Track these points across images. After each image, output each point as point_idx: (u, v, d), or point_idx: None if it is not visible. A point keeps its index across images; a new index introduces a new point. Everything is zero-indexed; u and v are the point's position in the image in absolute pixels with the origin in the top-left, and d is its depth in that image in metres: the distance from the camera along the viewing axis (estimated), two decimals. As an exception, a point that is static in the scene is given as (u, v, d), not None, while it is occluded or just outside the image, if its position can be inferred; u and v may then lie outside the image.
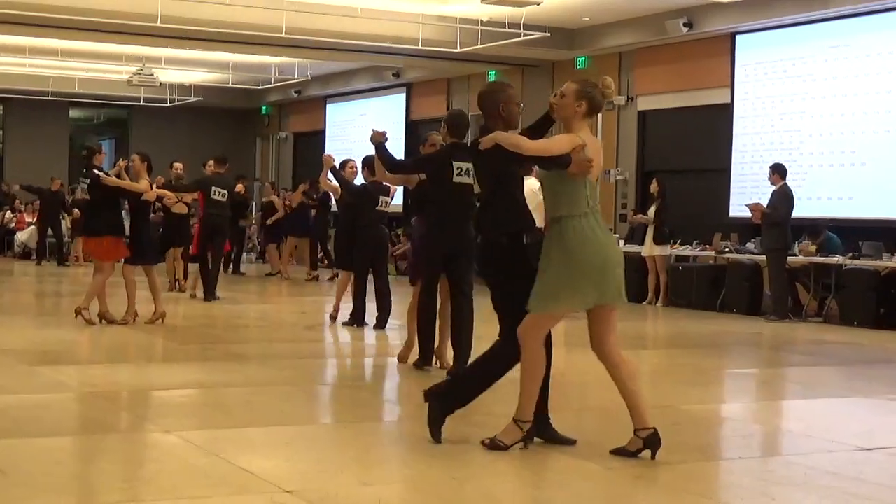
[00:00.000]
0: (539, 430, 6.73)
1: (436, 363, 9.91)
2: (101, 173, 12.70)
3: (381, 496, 5.59)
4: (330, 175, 13.11)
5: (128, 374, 9.53)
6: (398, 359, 10.29)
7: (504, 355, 6.76)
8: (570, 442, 6.76)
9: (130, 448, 6.66)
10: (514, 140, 6.53)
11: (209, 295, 16.27)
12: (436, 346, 9.88)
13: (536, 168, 7.32)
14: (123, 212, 13.27)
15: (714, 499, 6.01)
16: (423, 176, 9.89)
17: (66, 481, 5.88)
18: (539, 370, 6.57)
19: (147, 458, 6.35)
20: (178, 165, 18.07)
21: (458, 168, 9.29)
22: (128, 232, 13.00)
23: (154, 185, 13.68)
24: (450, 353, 9.76)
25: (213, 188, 16.43)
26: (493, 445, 6.53)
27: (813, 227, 16.42)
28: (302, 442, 6.92)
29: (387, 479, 6.12)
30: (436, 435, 6.69)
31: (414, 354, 10.08)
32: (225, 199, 16.52)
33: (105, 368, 9.89)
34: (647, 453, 6.41)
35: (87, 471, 6.21)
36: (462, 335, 9.35)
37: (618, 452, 6.47)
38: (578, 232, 6.44)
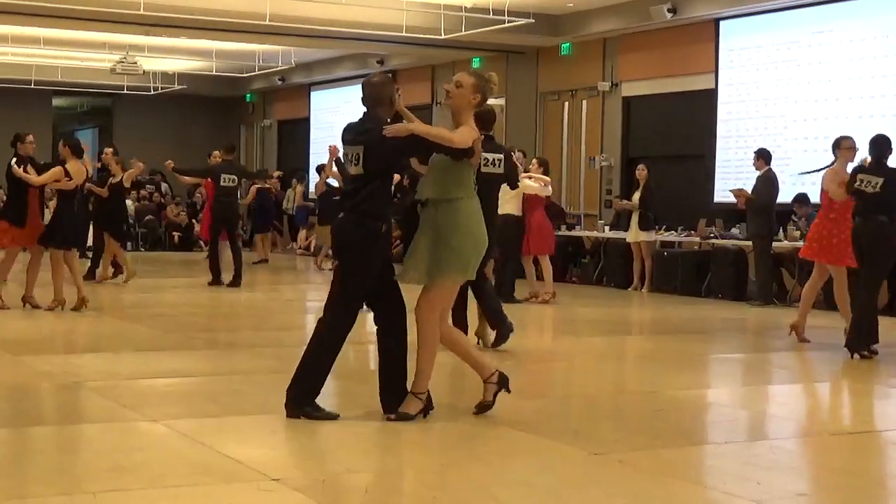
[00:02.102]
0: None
1: (479, 343, 10.32)
2: (13, 162, 12.75)
3: (368, 483, 5.60)
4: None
5: (113, 363, 9.51)
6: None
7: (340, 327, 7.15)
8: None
9: (116, 437, 6.64)
10: (442, 133, 6.91)
11: (236, 279, 16.49)
12: (476, 328, 10.40)
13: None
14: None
15: (700, 483, 6.04)
16: None
17: (52, 470, 5.88)
18: (436, 344, 7.02)
19: (133, 447, 6.34)
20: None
21: (486, 159, 9.72)
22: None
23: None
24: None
25: (223, 175, 16.68)
26: (400, 417, 6.91)
27: (801, 197, 16.41)
28: (288, 430, 6.92)
29: (373, 466, 6.13)
30: (327, 415, 6.99)
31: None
32: (235, 185, 16.78)
33: (90, 357, 9.87)
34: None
35: (73, 460, 6.20)
36: (493, 310, 10.04)
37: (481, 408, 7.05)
38: (473, 212, 7.01)
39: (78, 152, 12.87)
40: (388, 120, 7.14)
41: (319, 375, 7.07)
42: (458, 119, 7.01)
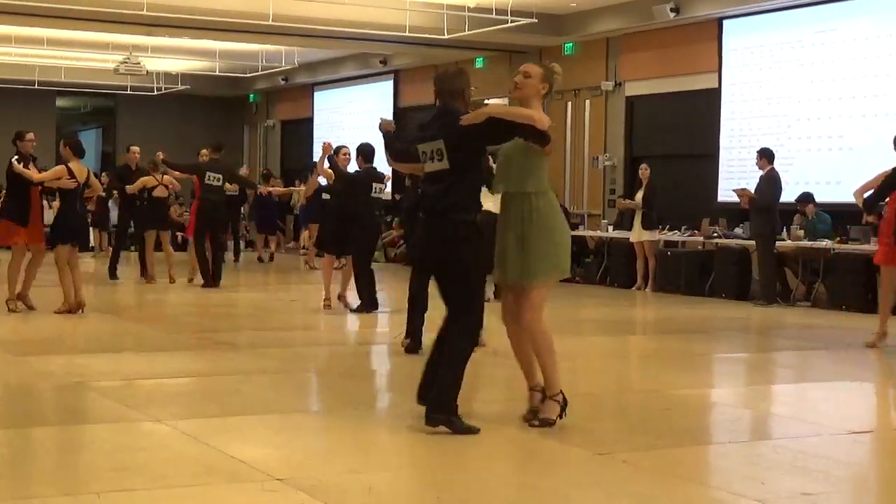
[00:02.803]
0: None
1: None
2: (14, 160, 12.74)
3: (372, 483, 5.60)
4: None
5: (117, 363, 9.51)
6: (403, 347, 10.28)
7: (465, 333, 6.83)
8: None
9: (120, 437, 6.64)
10: (521, 112, 6.72)
11: (213, 281, 16.38)
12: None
13: None
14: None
15: (703, 483, 6.03)
16: None
17: (56, 470, 5.88)
18: (551, 343, 6.82)
19: (137, 448, 6.34)
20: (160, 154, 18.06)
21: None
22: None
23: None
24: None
25: (209, 173, 16.52)
26: (544, 423, 6.73)
27: (805, 196, 16.42)
28: (292, 430, 6.93)
29: (377, 466, 6.13)
30: (467, 428, 6.64)
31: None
32: (220, 184, 16.64)
33: (93, 358, 9.87)
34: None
35: (77, 460, 6.20)
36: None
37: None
38: (554, 206, 6.89)
39: (79, 152, 12.83)
40: (465, 112, 6.91)
41: (458, 383, 6.74)
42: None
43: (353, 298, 13.49)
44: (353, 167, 13.63)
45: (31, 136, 13.01)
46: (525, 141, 6.76)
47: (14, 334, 11.23)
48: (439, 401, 6.63)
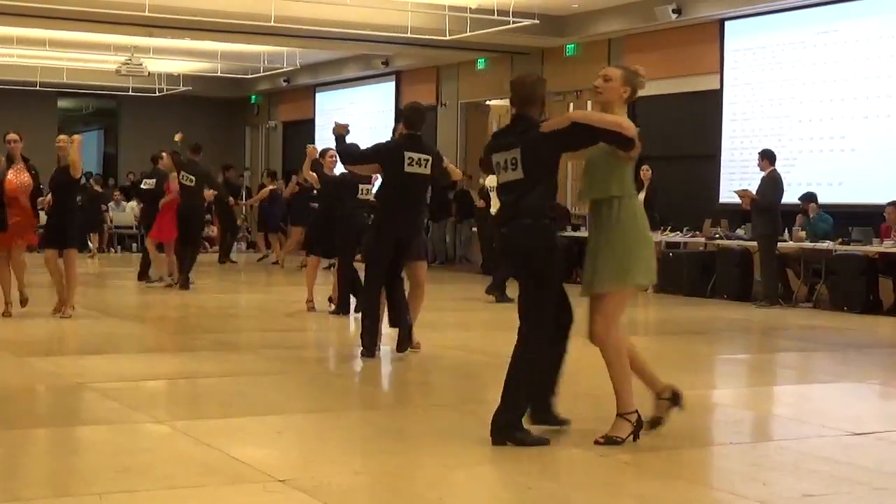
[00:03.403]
0: (541, 415, 6.74)
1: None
2: None
3: (373, 485, 5.60)
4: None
5: (119, 364, 9.52)
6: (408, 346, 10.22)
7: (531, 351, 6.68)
8: (565, 422, 6.79)
9: (122, 438, 6.65)
10: (605, 118, 6.53)
11: (183, 282, 16.25)
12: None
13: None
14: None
15: (705, 484, 6.03)
16: None
17: (59, 471, 5.89)
18: (626, 359, 6.59)
19: (139, 449, 6.34)
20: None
21: (410, 158, 9.57)
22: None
23: None
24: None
25: (183, 173, 16.44)
26: (609, 441, 6.48)
27: (807, 196, 16.42)
28: (294, 431, 6.94)
29: (379, 467, 6.13)
30: (537, 440, 6.51)
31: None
32: (193, 185, 16.47)
33: (95, 359, 9.87)
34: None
35: (80, 461, 6.20)
36: (400, 315, 9.75)
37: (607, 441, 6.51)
38: (637, 212, 6.64)
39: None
40: (542, 120, 6.77)
41: (522, 403, 6.58)
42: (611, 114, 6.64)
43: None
44: (340, 169, 13.61)
45: (11, 136, 12.69)
46: (609, 145, 6.54)
47: (16, 335, 11.23)
48: (504, 421, 6.45)
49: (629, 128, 6.46)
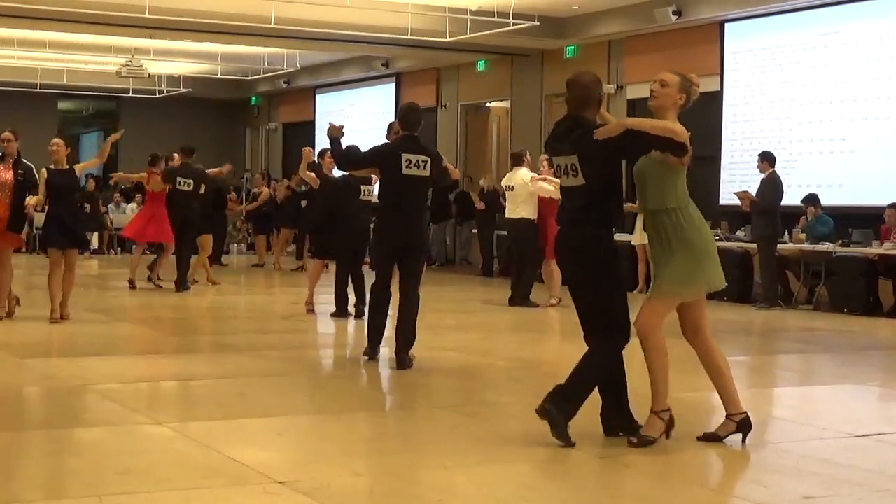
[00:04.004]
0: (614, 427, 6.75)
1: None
2: None
3: (374, 486, 5.60)
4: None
5: (118, 366, 9.52)
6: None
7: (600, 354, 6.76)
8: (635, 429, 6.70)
9: (122, 440, 6.64)
10: (657, 124, 6.47)
11: (180, 285, 16.22)
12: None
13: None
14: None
15: (705, 486, 6.03)
16: None
17: (60, 474, 5.88)
18: (666, 357, 6.74)
19: (139, 450, 6.34)
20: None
21: (407, 160, 9.38)
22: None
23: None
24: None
25: (179, 178, 16.41)
26: (643, 442, 6.50)
27: (810, 197, 16.43)
28: (294, 433, 6.93)
29: (379, 469, 6.13)
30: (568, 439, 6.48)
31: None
32: (191, 189, 16.48)
33: (95, 360, 9.87)
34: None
35: (80, 463, 6.20)
36: (406, 324, 9.47)
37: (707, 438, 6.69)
38: (695, 219, 6.62)
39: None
40: (597, 122, 6.72)
41: (580, 399, 6.59)
42: (664, 119, 6.58)
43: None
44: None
45: (6, 134, 12.62)
46: (661, 153, 6.50)
47: (15, 337, 11.22)
48: (559, 405, 6.46)
49: (682, 133, 6.39)
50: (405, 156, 9.37)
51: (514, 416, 7.21)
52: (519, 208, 14.86)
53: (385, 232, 9.57)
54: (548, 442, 6.55)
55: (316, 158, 13.62)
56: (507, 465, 6.19)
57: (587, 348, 6.72)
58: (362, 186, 12.94)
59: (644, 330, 6.71)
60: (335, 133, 9.80)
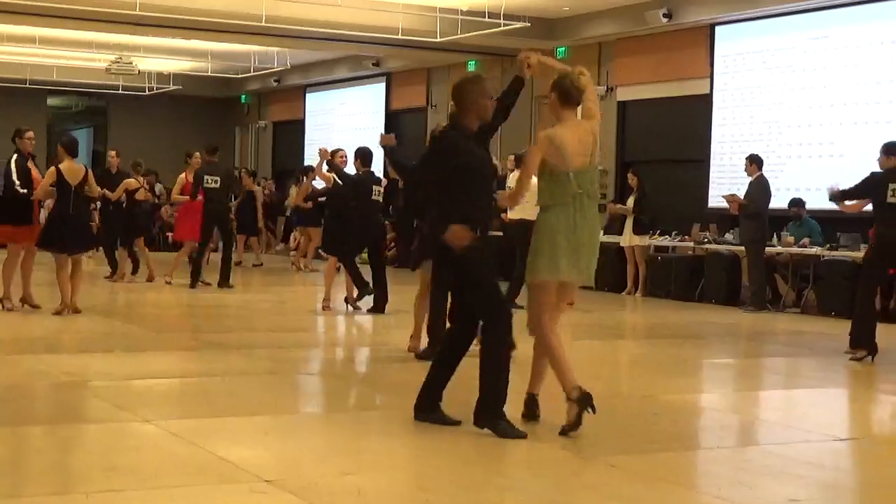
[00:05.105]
0: (431, 412, 6.95)
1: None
2: (13, 160, 12.76)
3: (361, 485, 5.60)
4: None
5: (107, 362, 9.51)
6: (409, 350, 10.16)
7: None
8: (455, 423, 6.89)
9: (110, 437, 6.64)
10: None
11: (223, 281, 16.50)
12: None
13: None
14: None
15: (692, 488, 6.05)
16: None
17: (46, 470, 5.88)
18: (560, 345, 6.97)
19: (126, 448, 6.33)
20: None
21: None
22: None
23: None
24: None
25: (206, 177, 16.54)
26: (570, 428, 6.69)
27: (795, 201, 16.47)
28: (283, 432, 6.93)
29: (366, 468, 6.13)
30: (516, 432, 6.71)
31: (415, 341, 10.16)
32: (219, 186, 16.62)
33: (84, 357, 9.87)
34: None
35: (67, 460, 6.20)
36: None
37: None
38: (559, 217, 6.90)
39: (73, 152, 12.67)
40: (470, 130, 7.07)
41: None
42: (556, 121, 7.10)
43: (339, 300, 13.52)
44: (349, 170, 13.64)
45: (30, 134, 12.87)
46: None
47: (6, 333, 11.22)
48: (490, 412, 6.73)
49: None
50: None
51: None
52: (521, 209, 14.89)
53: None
54: (534, 442, 6.57)
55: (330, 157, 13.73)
56: (493, 465, 6.21)
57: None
58: (374, 187, 13.13)
59: (536, 323, 7.10)
60: (389, 142, 9.85)
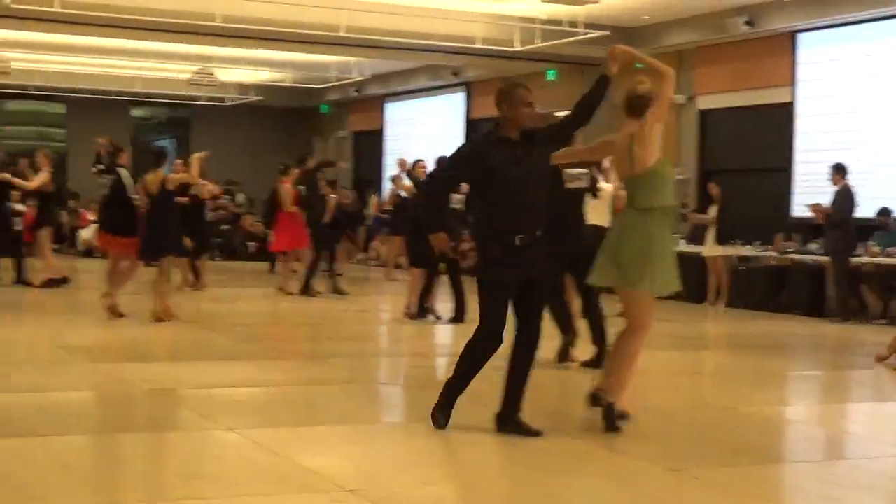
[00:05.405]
0: (511, 422, 6.96)
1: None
2: (121, 170, 13.13)
3: (442, 496, 5.58)
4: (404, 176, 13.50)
5: (190, 371, 9.58)
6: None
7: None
8: (537, 433, 6.87)
9: (194, 445, 6.68)
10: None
11: (306, 289, 16.70)
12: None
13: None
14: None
15: (778, 502, 5.95)
16: None
17: (131, 478, 5.93)
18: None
19: (210, 456, 6.37)
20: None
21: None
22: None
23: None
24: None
25: (298, 186, 16.89)
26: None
27: (883, 210, 16.22)
28: (364, 441, 6.92)
29: (447, 479, 6.11)
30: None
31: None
32: (314, 196, 16.96)
33: (167, 366, 9.97)
34: None
35: (151, 468, 6.25)
36: (597, 328, 9.95)
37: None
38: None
39: (159, 161, 13.04)
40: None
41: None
42: None
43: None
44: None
45: (101, 140, 13.17)
46: None
47: (93, 342, 11.36)
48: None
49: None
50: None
51: (582, 429, 7.15)
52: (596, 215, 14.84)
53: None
54: (618, 454, 6.50)
55: (411, 168, 13.83)
56: (577, 477, 6.15)
57: None
58: (452, 195, 13.17)
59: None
60: None
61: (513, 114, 6.98)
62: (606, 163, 10.22)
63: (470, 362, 6.99)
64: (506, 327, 6.88)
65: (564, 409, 8.25)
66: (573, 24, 18.85)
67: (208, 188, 17.46)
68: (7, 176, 16.51)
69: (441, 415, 7.00)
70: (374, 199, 26.79)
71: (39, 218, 16.81)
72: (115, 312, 12.83)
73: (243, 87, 29.58)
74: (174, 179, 13.07)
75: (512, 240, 6.80)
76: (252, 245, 26.85)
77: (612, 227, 7.32)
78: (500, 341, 6.89)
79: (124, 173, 13.17)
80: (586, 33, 18.89)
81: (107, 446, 6.70)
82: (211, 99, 29.89)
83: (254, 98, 29.73)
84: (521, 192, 6.88)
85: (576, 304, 10.36)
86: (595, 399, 7.05)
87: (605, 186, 10.67)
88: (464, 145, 7.38)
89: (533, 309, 6.95)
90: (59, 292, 16.33)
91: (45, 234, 16.81)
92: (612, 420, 6.93)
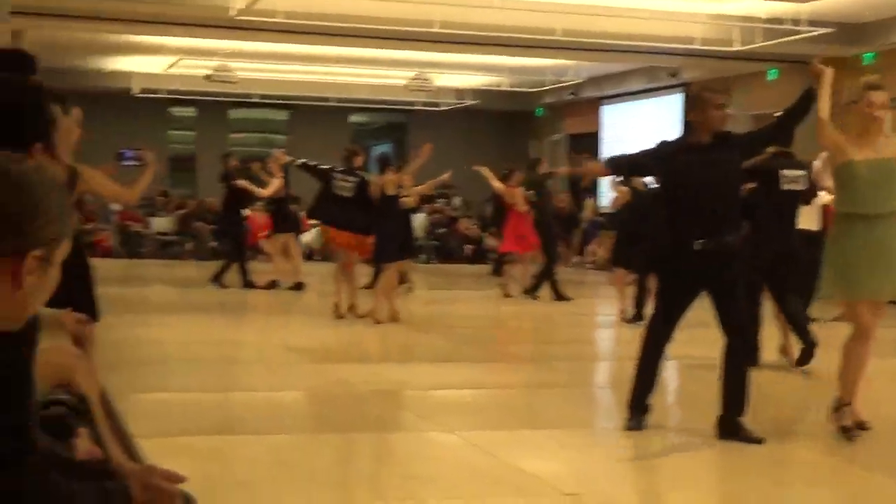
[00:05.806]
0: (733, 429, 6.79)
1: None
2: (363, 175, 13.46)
3: (664, 503, 5.47)
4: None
5: (409, 372, 9.67)
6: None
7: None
8: (759, 440, 6.68)
9: (412, 446, 6.73)
10: None
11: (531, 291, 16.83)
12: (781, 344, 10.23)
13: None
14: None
15: None
16: None
17: (349, 477, 6.02)
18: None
19: (427, 457, 6.40)
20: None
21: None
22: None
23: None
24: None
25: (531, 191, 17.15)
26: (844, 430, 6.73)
27: None
28: (582, 445, 6.84)
29: (666, 485, 5.99)
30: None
31: None
32: (541, 199, 17.25)
33: (387, 367, 10.08)
34: None
35: (369, 467, 6.32)
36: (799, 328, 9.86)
37: None
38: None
39: (380, 166, 13.43)
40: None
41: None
42: None
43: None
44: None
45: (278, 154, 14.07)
46: None
47: (313, 342, 11.60)
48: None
49: None
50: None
51: (818, 438, 6.92)
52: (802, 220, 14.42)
53: (759, 246, 9.69)
54: (854, 467, 6.27)
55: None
56: (807, 490, 5.94)
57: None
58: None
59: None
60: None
61: (702, 118, 6.87)
62: (818, 162, 9.87)
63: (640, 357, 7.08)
64: (672, 331, 6.94)
65: (793, 416, 8.01)
66: (796, 21, 18.33)
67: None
68: (244, 183, 17.07)
69: (634, 419, 7.06)
70: (590, 203, 26.65)
71: (278, 223, 17.46)
72: (371, 316, 13.00)
73: (459, 92, 29.86)
74: (392, 182, 13.27)
75: (690, 244, 6.67)
76: (468, 248, 27.07)
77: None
78: (661, 339, 6.95)
79: (369, 175, 13.54)
80: (810, 31, 18.36)
81: (325, 445, 6.79)
82: (427, 104, 30.26)
83: (469, 102, 29.97)
84: (704, 198, 6.74)
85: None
86: (838, 409, 6.85)
87: (822, 195, 10.42)
88: (659, 143, 7.24)
89: (728, 312, 6.82)
90: (282, 294, 16.74)
91: (291, 239, 17.42)
92: (850, 430, 6.66)
